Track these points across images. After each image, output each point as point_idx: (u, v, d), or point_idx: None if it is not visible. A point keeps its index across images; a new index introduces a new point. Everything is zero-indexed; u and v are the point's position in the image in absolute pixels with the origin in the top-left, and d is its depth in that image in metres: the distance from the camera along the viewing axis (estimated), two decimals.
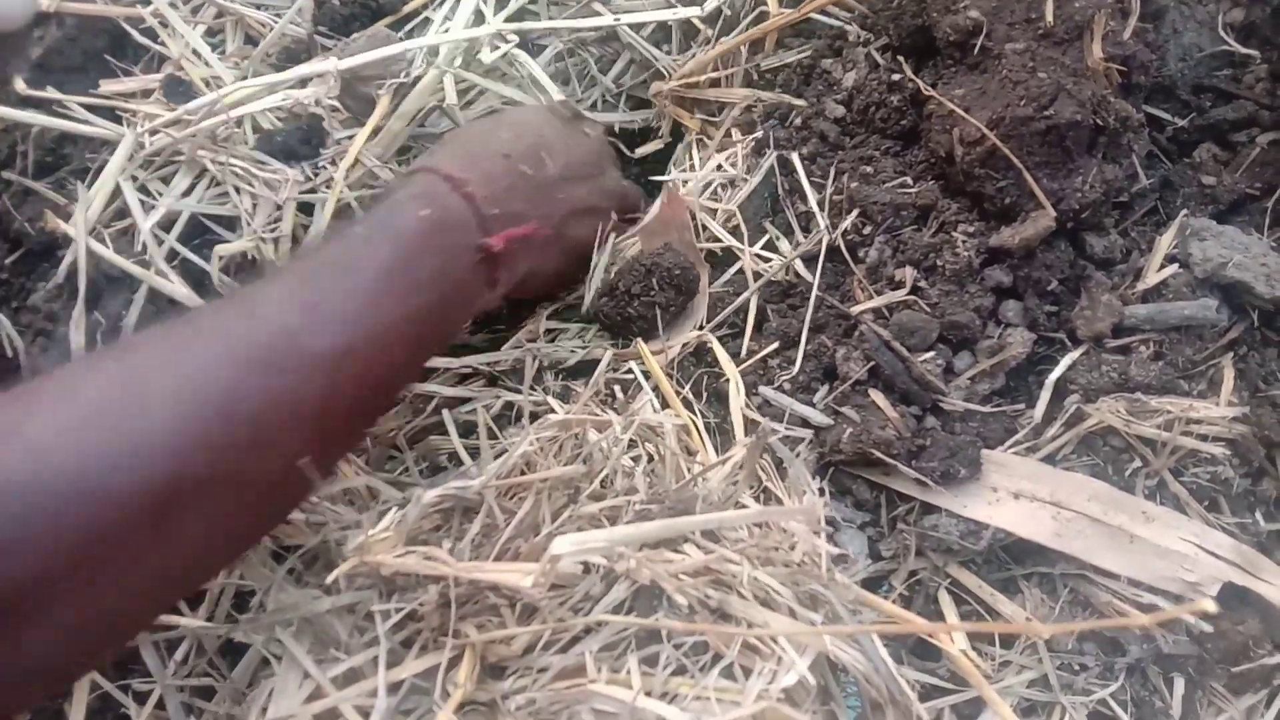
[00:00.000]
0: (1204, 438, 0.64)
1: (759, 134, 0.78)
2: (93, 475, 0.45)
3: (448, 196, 0.64)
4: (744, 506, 0.58)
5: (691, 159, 0.81)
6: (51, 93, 0.85)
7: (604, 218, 0.76)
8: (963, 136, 0.67)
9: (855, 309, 0.67)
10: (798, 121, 0.77)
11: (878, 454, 0.62)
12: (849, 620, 0.52)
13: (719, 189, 0.78)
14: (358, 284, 0.57)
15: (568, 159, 0.74)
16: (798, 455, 0.65)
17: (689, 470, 0.61)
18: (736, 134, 0.80)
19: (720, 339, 0.71)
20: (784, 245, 0.73)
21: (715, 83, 0.82)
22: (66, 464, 0.45)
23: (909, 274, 0.67)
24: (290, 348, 0.53)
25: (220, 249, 0.77)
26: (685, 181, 0.79)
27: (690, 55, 0.85)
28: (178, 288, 0.76)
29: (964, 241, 0.66)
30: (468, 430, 0.72)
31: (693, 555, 0.53)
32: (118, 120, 0.84)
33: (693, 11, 0.84)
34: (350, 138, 0.82)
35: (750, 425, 0.67)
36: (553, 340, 0.77)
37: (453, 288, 0.63)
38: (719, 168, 0.79)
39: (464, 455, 0.69)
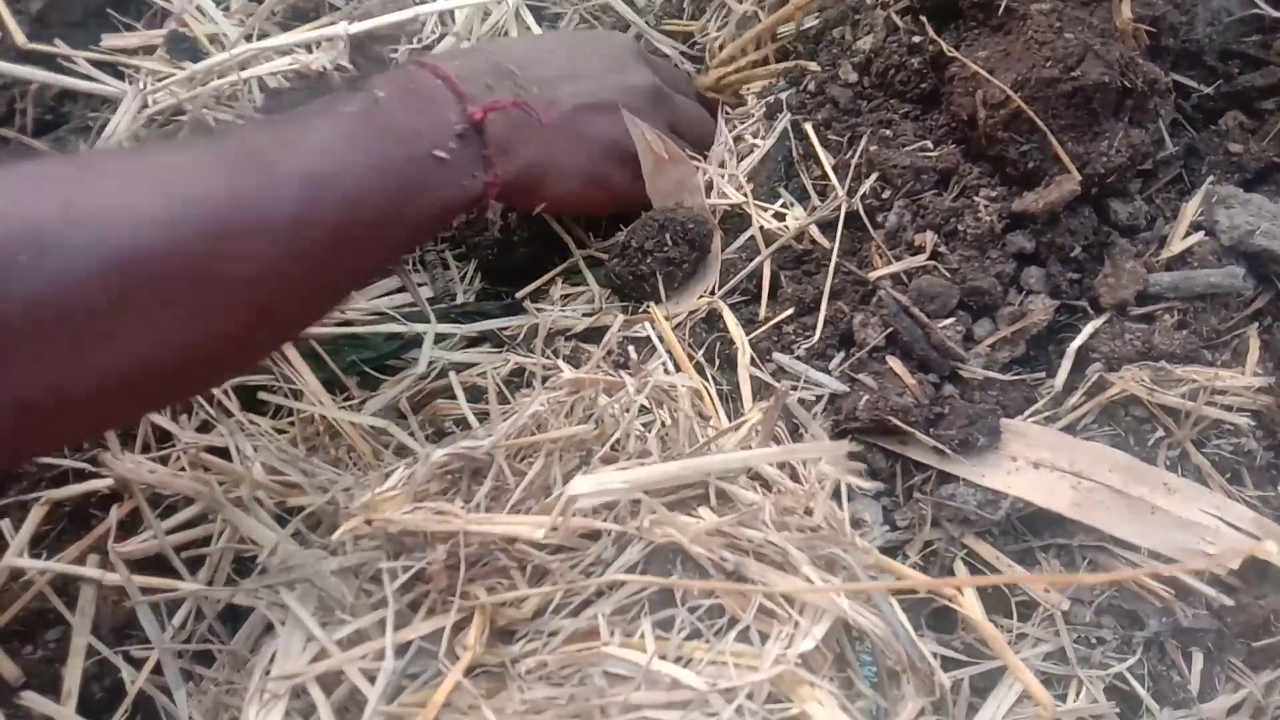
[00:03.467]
0: (1228, 408, 0.62)
1: (770, 99, 0.77)
2: (48, 234, 0.44)
3: (418, 73, 0.64)
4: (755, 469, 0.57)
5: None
6: (54, 47, 0.83)
7: (627, 115, 0.73)
8: (986, 99, 0.65)
9: (873, 274, 0.66)
10: (811, 87, 0.75)
11: (895, 421, 0.61)
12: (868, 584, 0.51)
13: (729, 155, 0.77)
14: (327, 124, 0.57)
15: (573, 54, 0.72)
16: (816, 419, 0.64)
17: (703, 435, 0.59)
18: (751, 100, 0.79)
19: (733, 305, 0.70)
20: (798, 210, 0.72)
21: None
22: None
23: (929, 239, 0.65)
24: (260, 160, 0.53)
25: None
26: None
27: (707, 31, 0.83)
28: None
29: (985, 206, 0.65)
30: (476, 396, 0.71)
31: (708, 518, 0.52)
32: (120, 77, 0.82)
33: None
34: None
35: (761, 391, 0.65)
36: (565, 305, 0.76)
37: (430, 153, 0.61)
38: (738, 139, 0.77)
39: (471, 419, 0.68)
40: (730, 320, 0.68)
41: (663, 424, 0.60)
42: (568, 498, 0.47)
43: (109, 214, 0.46)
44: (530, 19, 0.84)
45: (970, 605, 0.59)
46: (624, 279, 0.72)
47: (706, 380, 0.66)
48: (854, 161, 0.69)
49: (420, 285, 0.82)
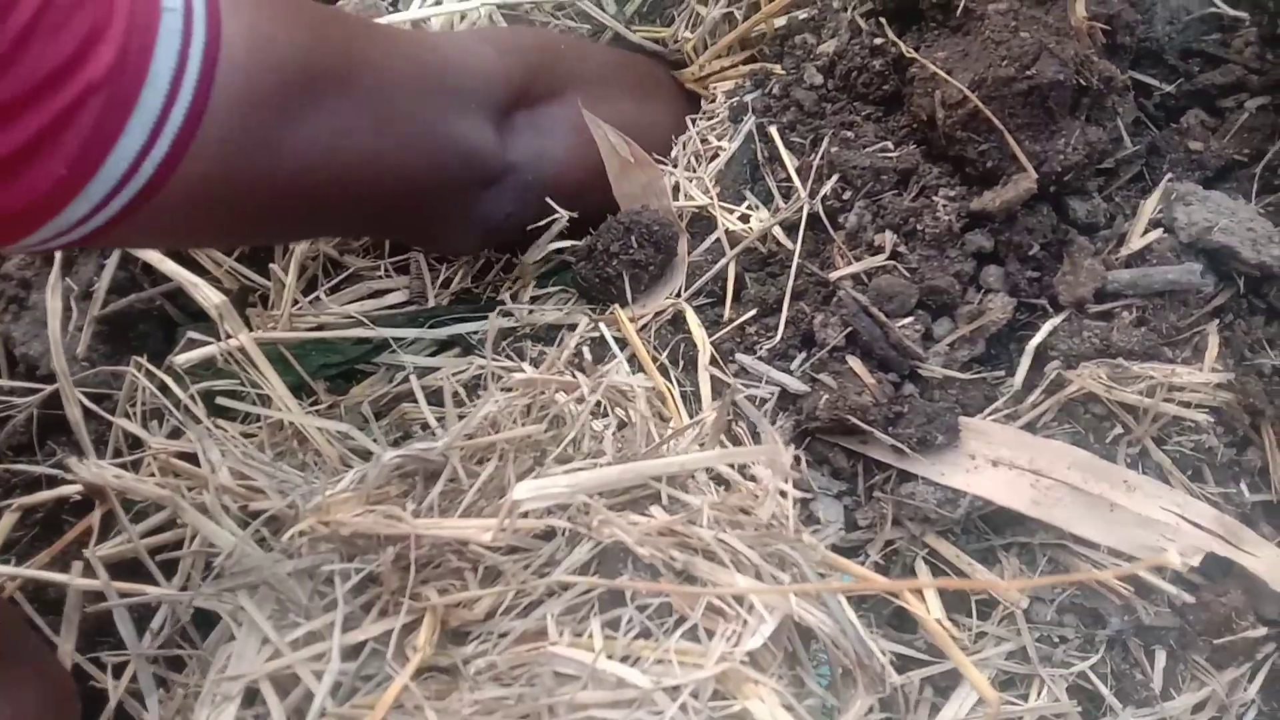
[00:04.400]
0: (1187, 405, 0.62)
1: (735, 101, 0.77)
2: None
3: None
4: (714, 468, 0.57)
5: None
6: None
7: (588, 115, 0.74)
8: (944, 99, 0.65)
9: (834, 275, 0.66)
10: (776, 90, 0.75)
11: (854, 420, 0.61)
12: (815, 582, 0.51)
13: (694, 158, 0.77)
14: None
15: None
16: (767, 417, 0.64)
17: (659, 435, 0.60)
18: (720, 98, 0.79)
19: (698, 307, 0.70)
20: (763, 213, 0.72)
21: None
22: None
23: (888, 239, 0.65)
24: None
25: None
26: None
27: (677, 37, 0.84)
28: (151, 252, 0.76)
29: (944, 206, 0.65)
30: (441, 399, 0.71)
31: (659, 517, 0.52)
32: None
33: None
34: None
35: (722, 392, 0.65)
36: (532, 308, 0.76)
37: None
38: (703, 140, 0.78)
39: (433, 422, 0.68)
40: (693, 321, 0.68)
41: (620, 425, 0.60)
42: (511, 502, 0.48)
43: None
44: (503, 24, 0.84)
45: (928, 604, 0.59)
46: (590, 282, 0.72)
47: (670, 381, 0.67)
48: (816, 164, 0.69)
49: (393, 290, 0.82)
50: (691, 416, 0.65)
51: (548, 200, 0.71)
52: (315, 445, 0.68)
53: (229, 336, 0.71)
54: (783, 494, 0.52)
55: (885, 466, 0.63)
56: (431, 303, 0.80)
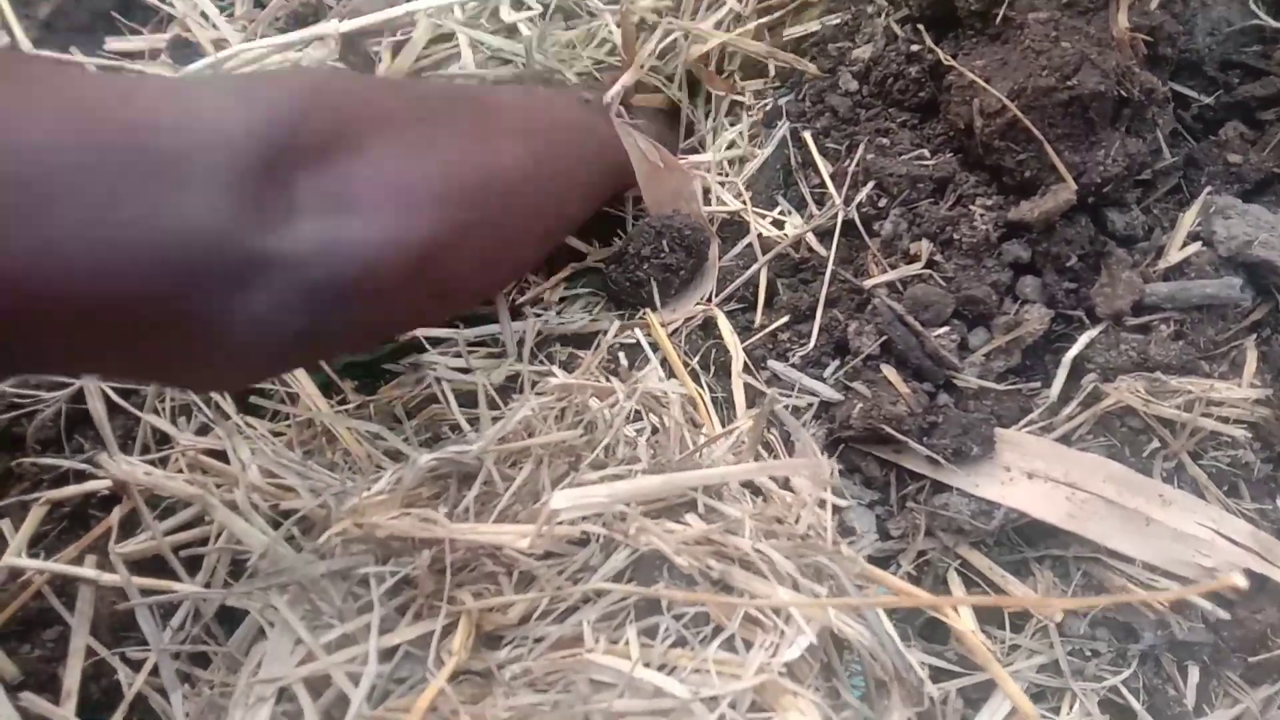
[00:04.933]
0: (1225, 420, 0.62)
1: (768, 103, 0.77)
2: None
3: None
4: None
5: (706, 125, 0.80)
6: (60, 54, 0.84)
7: (618, 122, 0.73)
8: (983, 108, 0.65)
9: (869, 282, 0.66)
10: (810, 95, 0.75)
11: (888, 430, 0.61)
12: (854, 594, 0.50)
13: (727, 163, 0.77)
14: None
15: None
16: (804, 425, 0.64)
17: (693, 441, 0.59)
18: (750, 98, 0.79)
19: (729, 313, 0.70)
20: (796, 219, 0.72)
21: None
22: None
23: (925, 247, 0.65)
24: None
25: None
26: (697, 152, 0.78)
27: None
28: None
29: (982, 215, 0.65)
30: (471, 401, 0.71)
31: (695, 526, 0.52)
32: None
33: None
34: None
35: (756, 399, 0.65)
36: (560, 310, 0.76)
37: None
38: (731, 144, 0.77)
39: (463, 423, 0.68)
40: (725, 327, 0.68)
41: (654, 430, 0.60)
42: (549, 511, 0.47)
43: None
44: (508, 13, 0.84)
45: (961, 617, 0.59)
46: (621, 285, 0.72)
47: (701, 387, 0.66)
48: (851, 170, 0.69)
49: None
50: (724, 423, 0.64)
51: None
52: (344, 445, 0.68)
53: None
54: (821, 504, 0.52)
55: (918, 476, 0.63)
56: None
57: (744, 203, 0.72)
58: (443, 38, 0.83)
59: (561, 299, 0.77)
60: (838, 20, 0.78)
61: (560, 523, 0.50)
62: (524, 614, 0.51)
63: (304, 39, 0.80)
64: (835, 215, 0.68)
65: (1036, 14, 0.65)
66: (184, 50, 0.83)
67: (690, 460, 0.56)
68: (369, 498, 0.53)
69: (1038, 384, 0.65)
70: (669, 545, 0.49)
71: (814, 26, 0.80)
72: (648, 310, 0.72)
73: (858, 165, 0.69)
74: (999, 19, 0.67)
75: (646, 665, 0.47)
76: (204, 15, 0.84)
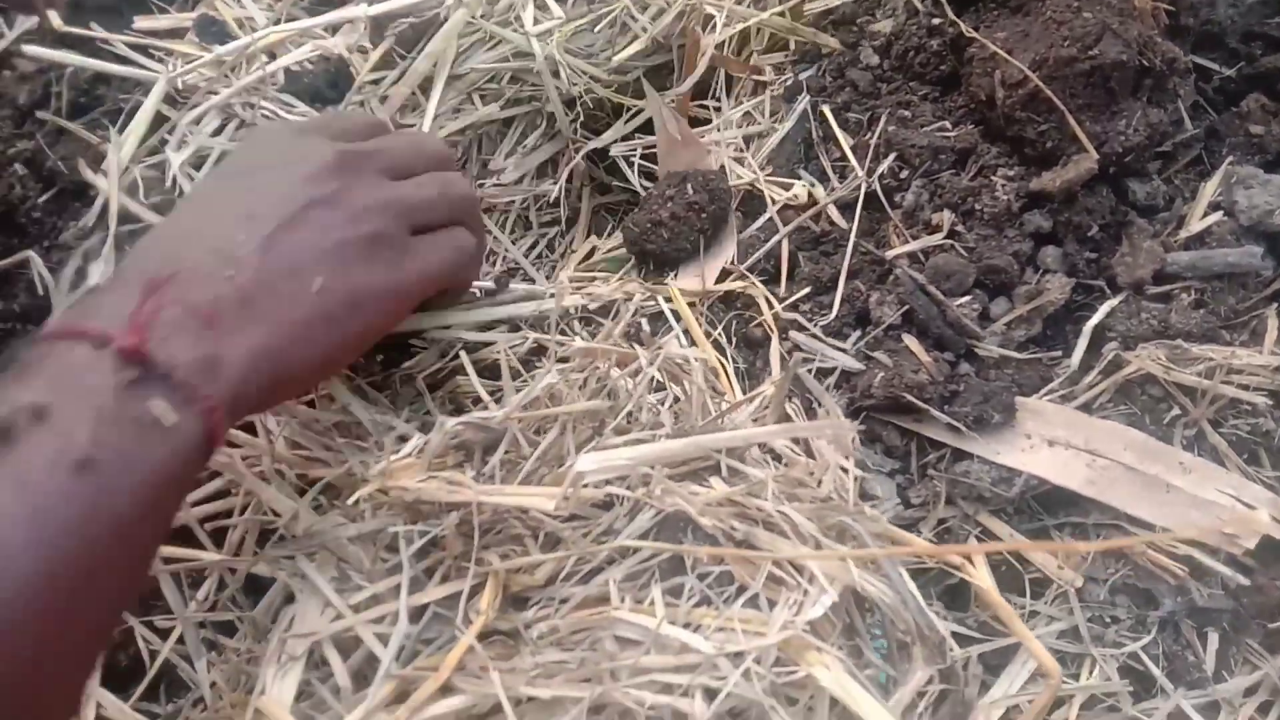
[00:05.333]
0: (1245, 387, 0.62)
1: (788, 78, 0.77)
2: None
3: (56, 354, 0.44)
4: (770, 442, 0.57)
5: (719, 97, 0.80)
6: (89, 31, 0.85)
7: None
8: (1004, 79, 0.65)
9: (890, 253, 0.66)
10: (831, 69, 0.75)
11: (909, 398, 0.61)
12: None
13: (744, 140, 0.77)
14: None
15: (241, 184, 0.56)
16: (827, 389, 0.64)
17: (715, 408, 0.60)
18: (770, 73, 0.79)
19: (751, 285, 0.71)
20: (818, 192, 0.72)
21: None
22: None
23: (946, 218, 0.65)
24: None
25: None
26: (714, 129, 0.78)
27: None
28: None
29: (1003, 185, 0.65)
30: (496, 374, 0.72)
31: (718, 488, 0.52)
32: (154, 60, 0.84)
33: None
34: (375, 82, 0.82)
35: (781, 368, 0.66)
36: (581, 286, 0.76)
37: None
38: (746, 115, 0.78)
39: (484, 395, 0.68)
40: (761, 293, 0.68)
41: (676, 399, 0.61)
42: (575, 474, 0.48)
43: None
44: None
45: (982, 578, 0.60)
46: (640, 226, 0.72)
47: (725, 358, 0.67)
48: (873, 142, 0.70)
49: None
50: (745, 393, 0.65)
51: None
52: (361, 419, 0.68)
53: None
54: (844, 469, 0.53)
55: (939, 445, 0.63)
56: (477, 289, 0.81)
57: (756, 173, 0.73)
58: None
59: (582, 263, 0.78)
60: None
61: (586, 485, 0.51)
62: (550, 575, 0.52)
63: (331, 22, 0.81)
64: (858, 187, 0.68)
65: None
66: (210, 29, 0.84)
67: (713, 425, 0.57)
68: (396, 461, 0.53)
69: (1059, 353, 0.65)
70: (693, 507, 0.50)
71: (834, 2, 0.80)
72: (669, 279, 0.72)
73: (879, 138, 0.70)
74: None
75: (671, 623, 0.48)
76: None
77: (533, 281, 0.80)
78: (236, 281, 0.49)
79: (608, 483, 0.53)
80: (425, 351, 0.75)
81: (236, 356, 0.47)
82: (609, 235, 0.83)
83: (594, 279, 0.77)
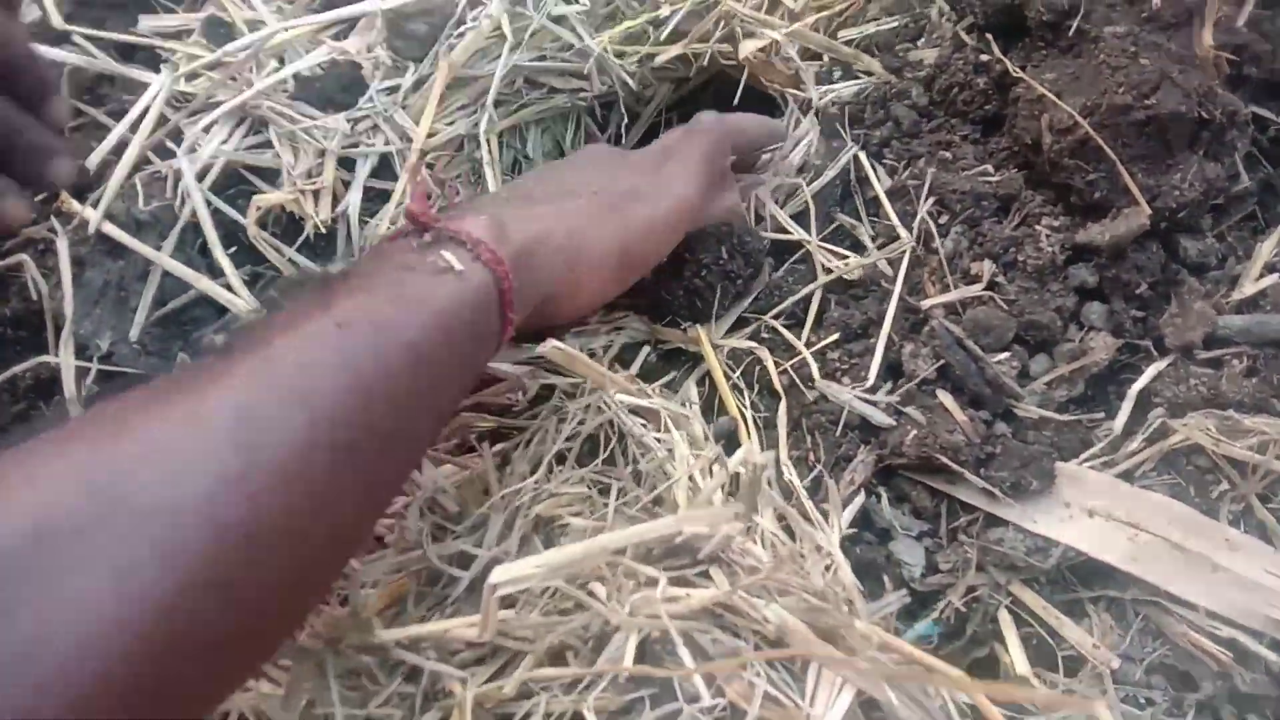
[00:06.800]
0: None
1: (827, 104, 0.74)
2: None
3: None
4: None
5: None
6: (91, 30, 0.81)
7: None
8: (1052, 124, 0.62)
9: (926, 302, 0.63)
10: (873, 97, 0.72)
11: (944, 460, 0.58)
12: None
13: (778, 170, 0.74)
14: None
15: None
16: (845, 449, 0.61)
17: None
18: (809, 88, 0.76)
19: (775, 330, 0.67)
20: (860, 233, 0.68)
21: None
22: None
23: (986, 268, 0.62)
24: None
25: (259, 199, 0.73)
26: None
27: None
28: (211, 233, 0.73)
29: (1048, 236, 0.62)
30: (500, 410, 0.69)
31: (696, 594, 0.48)
32: (157, 61, 0.80)
33: None
34: (392, 89, 0.79)
35: (802, 411, 0.63)
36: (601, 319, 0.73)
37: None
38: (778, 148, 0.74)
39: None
40: (768, 359, 0.65)
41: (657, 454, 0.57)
42: (489, 587, 0.44)
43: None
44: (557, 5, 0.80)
45: (1015, 655, 0.57)
46: (674, 294, 0.69)
47: (744, 404, 0.64)
48: (911, 185, 0.66)
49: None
50: (763, 445, 0.62)
51: None
52: None
53: None
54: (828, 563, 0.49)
55: (971, 508, 0.60)
56: None
57: (801, 219, 0.69)
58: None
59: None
60: (897, 22, 0.75)
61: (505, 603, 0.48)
62: (519, 690, 0.48)
63: (342, 19, 0.78)
64: (902, 251, 0.65)
65: (1114, 28, 0.62)
66: (219, 30, 0.80)
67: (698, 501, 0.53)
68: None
69: (1100, 415, 0.62)
70: (663, 614, 0.46)
71: (869, 29, 0.76)
72: (692, 324, 0.69)
73: (918, 179, 0.66)
74: (1072, 31, 0.63)
75: None
76: None
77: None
78: (518, 191, 0.63)
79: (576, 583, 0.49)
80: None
81: (522, 225, 0.55)
82: None
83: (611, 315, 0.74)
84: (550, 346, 0.57)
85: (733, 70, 0.81)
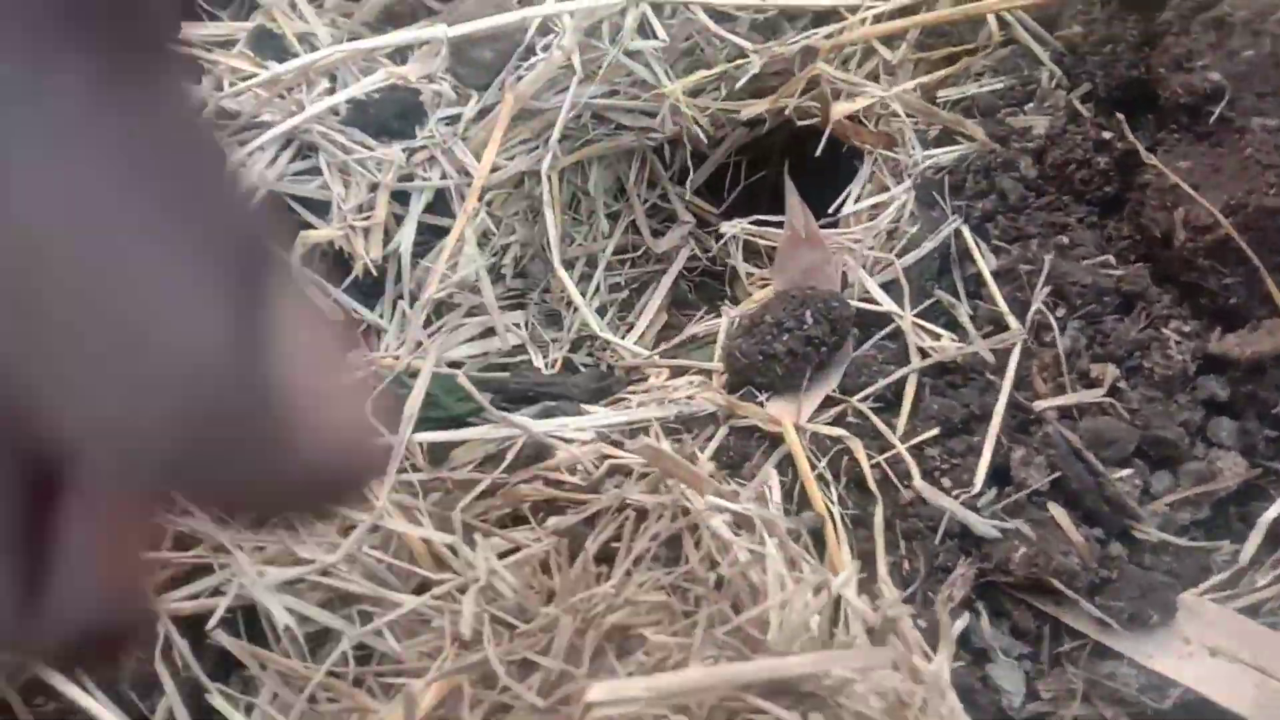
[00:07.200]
0: None
1: (921, 162, 0.68)
2: None
3: None
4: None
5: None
6: None
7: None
8: (1188, 219, 0.57)
9: (1040, 404, 0.58)
10: (976, 167, 0.66)
11: (1057, 584, 0.53)
12: None
13: (871, 235, 0.68)
14: None
15: None
16: (944, 559, 0.56)
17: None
18: (906, 151, 0.70)
19: (863, 415, 0.62)
20: (960, 308, 0.63)
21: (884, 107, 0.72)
22: None
23: (1110, 373, 0.57)
24: None
25: (306, 236, 0.67)
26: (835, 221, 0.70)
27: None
28: None
29: (1178, 343, 0.57)
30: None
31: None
32: (199, 70, 0.74)
33: None
34: (452, 118, 0.73)
35: (899, 517, 0.58)
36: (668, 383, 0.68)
37: None
38: (872, 211, 0.69)
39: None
40: (859, 451, 0.60)
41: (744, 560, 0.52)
42: (584, 705, 0.40)
43: None
44: (655, 22, 0.75)
45: None
46: (750, 358, 0.63)
47: (830, 498, 0.59)
48: (1024, 269, 0.61)
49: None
50: (853, 549, 0.57)
51: None
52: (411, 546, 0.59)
53: None
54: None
55: (1077, 634, 0.55)
56: (542, 363, 0.72)
57: (891, 290, 0.64)
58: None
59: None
60: (1001, 84, 0.70)
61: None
62: None
63: (408, 42, 0.72)
64: (1013, 344, 0.60)
65: (1264, 119, 0.57)
66: (267, 42, 0.74)
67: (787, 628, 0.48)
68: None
69: (1223, 540, 0.57)
70: None
71: (971, 89, 0.71)
72: (770, 396, 0.64)
73: (1032, 263, 0.61)
74: (1213, 118, 0.58)
75: None
76: (292, 4, 0.75)
77: (607, 371, 0.71)
78: None
79: None
80: (479, 430, 0.66)
81: None
82: (699, 319, 0.74)
83: (678, 371, 0.69)
84: (643, 445, 0.52)
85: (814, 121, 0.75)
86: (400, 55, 0.75)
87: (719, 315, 0.79)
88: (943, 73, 0.71)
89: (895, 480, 0.59)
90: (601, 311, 0.80)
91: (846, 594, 0.49)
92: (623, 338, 0.78)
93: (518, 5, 0.76)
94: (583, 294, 0.75)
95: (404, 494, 0.62)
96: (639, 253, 0.83)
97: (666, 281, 0.82)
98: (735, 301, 0.82)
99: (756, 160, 0.84)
